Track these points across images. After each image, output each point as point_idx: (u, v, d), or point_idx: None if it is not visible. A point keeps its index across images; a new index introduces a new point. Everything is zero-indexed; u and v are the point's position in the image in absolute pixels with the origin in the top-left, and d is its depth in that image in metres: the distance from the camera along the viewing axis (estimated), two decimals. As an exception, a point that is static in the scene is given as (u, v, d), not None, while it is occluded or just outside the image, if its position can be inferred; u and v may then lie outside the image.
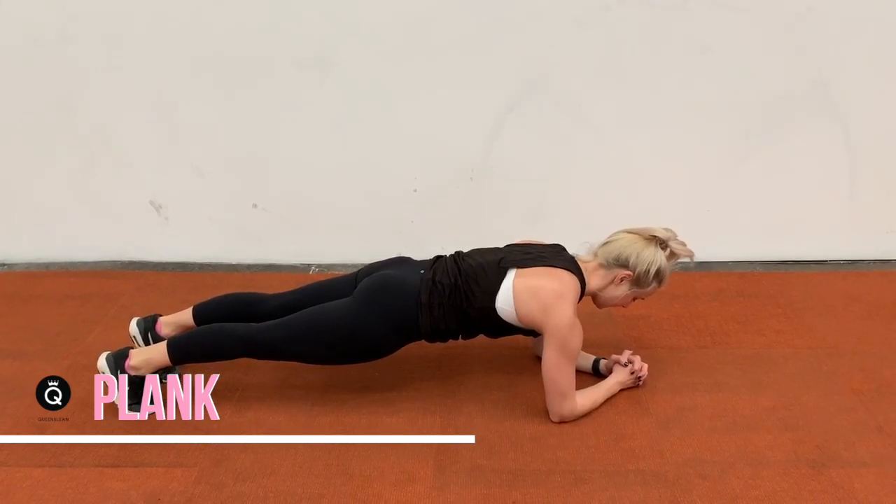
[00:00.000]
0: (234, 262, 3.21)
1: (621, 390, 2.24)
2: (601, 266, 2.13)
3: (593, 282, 2.13)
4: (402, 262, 2.22)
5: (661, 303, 2.77)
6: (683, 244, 2.14)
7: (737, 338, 2.55)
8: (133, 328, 2.33)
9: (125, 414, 2.14)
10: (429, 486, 1.89)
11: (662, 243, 2.10)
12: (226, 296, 2.36)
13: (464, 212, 3.09)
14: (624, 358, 2.26)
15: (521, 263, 2.08)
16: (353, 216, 3.12)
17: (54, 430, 2.11)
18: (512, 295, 2.03)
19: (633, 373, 2.23)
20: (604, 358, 2.32)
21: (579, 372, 2.31)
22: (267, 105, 2.96)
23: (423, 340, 2.14)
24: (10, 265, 3.22)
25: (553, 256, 2.12)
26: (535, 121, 2.94)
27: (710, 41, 2.81)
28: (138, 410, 2.15)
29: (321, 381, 2.31)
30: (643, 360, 2.26)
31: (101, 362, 2.13)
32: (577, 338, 2.01)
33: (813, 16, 2.77)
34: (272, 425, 2.13)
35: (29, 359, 2.47)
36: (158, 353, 2.12)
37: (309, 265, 3.19)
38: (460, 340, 2.19)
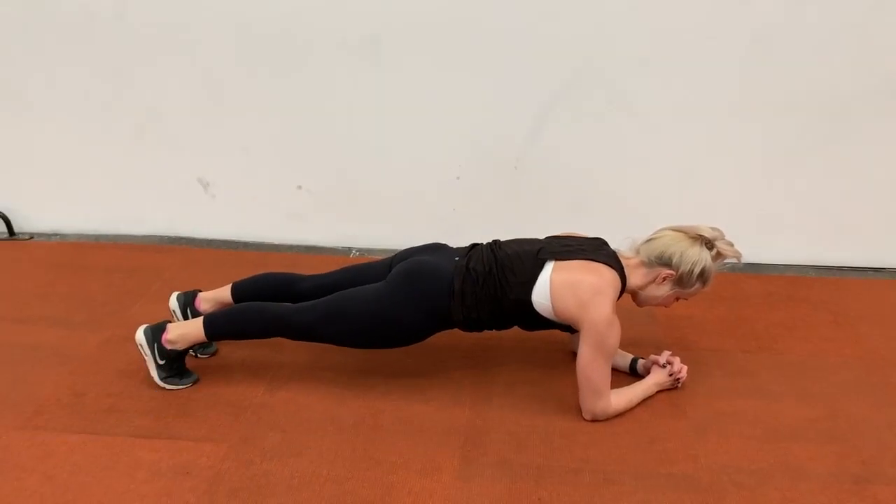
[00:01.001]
0: (277, 242, 3.23)
1: (658, 392, 2.18)
2: (643, 264, 2.07)
3: (634, 279, 2.07)
4: (437, 249, 2.19)
5: (706, 303, 2.69)
6: (731, 244, 2.06)
7: (783, 343, 2.46)
8: (173, 302, 2.36)
9: (161, 386, 2.18)
10: (454, 477, 1.87)
11: (708, 243, 2.03)
12: (264, 275, 2.37)
13: (506, 202, 3.05)
14: (662, 359, 2.20)
15: (561, 256, 2.04)
16: (396, 201, 3.11)
17: (92, 399, 2.16)
18: (549, 288, 1.98)
19: (671, 374, 2.17)
20: (642, 358, 2.26)
21: (616, 371, 2.27)
22: (314, 87, 2.96)
23: (456, 329, 2.11)
24: (62, 235, 3.31)
25: (594, 250, 2.07)
26: (581, 111, 2.87)
27: (771, 31, 2.70)
28: (175, 384, 2.19)
29: (353, 364, 2.31)
30: (683, 361, 2.20)
31: (139, 335, 2.16)
32: (614, 336, 1.96)
33: (884, 7, 2.64)
34: (302, 406, 2.14)
35: (75, 328, 2.52)
36: (195, 328, 2.14)
37: (350, 248, 3.19)
38: (495, 332, 2.16)
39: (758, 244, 2.99)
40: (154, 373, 2.18)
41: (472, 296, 2.03)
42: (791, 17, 2.67)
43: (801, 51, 2.71)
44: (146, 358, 2.17)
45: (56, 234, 3.32)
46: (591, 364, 1.98)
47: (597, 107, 2.86)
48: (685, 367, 2.19)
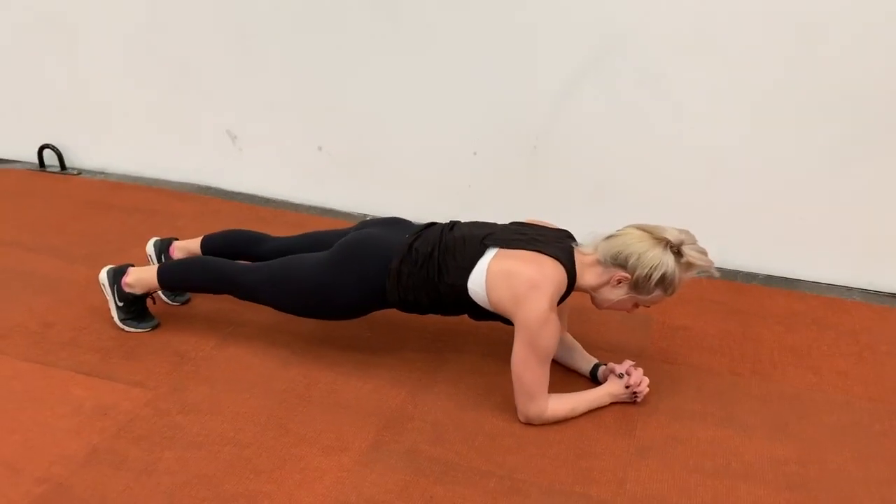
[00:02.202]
0: (296, 202, 3.23)
1: (614, 403, 1.99)
2: (599, 262, 1.87)
3: (587, 278, 1.88)
4: (395, 224, 2.09)
5: (716, 315, 2.44)
6: (702, 252, 1.82)
7: (784, 371, 2.18)
8: (150, 248, 2.40)
9: (119, 327, 2.23)
10: (355, 459, 1.78)
11: (674, 247, 1.80)
12: (234, 231, 2.36)
13: (524, 182, 2.88)
14: (620, 368, 1.99)
15: (508, 244, 1.88)
16: (411, 171, 3.01)
17: (57, 330, 2.23)
18: (485, 277, 1.84)
19: (627, 386, 1.97)
20: (605, 364, 2.07)
21: (577, 375, 2.10)
22: (341, 50, 2.90)
23: (396, 309, 2.01)
24: (106, 174, 3.46)
25: (549, 242, 1.89)
26: (608, 90, 2.64)
27: (827, 20, 2.36)
28: (133, 326, 2.23)
29: (313, 332, 2.25)
30: (662, 376, 2.00)
31: (102, 275, 2.21)
32: (548, 336, 1.79)
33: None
34: (244, 364, 2.12)
35: (73, 261, 2.63)
36: (150, 274, 2.16)
37: (365, 215, 3.13)
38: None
39: (795, 256, 2.67)
40: (114, 313, 2.23)
41: (408, 277, 1.91)
42: (850, 7, 2.32)
43: (859, 44, 2.36)
44: (108, 298, 2.22)
45: (101, 173, 3.48)
46: (523, 364, 1.82)
47: (626, 87, 2.62)
48: (646, 381, 1.98)
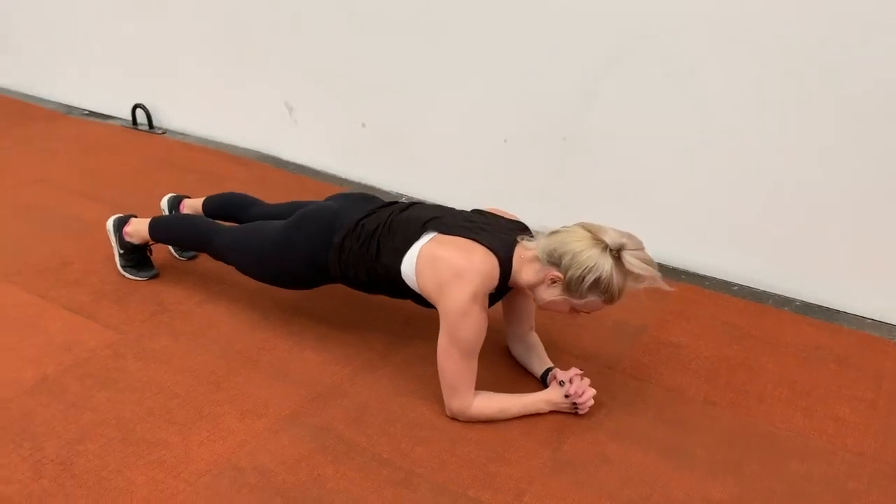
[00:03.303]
0: (341, 176, 3.28)
1: (557, 413, 1.86)
2: (537, 259, 1.74)
3: (525, 275, 1.76)
4: (361, 200, 2.06)
5: (721, 337, 2.21)
6: (643, 261, 1.64)
7: (770, 408, 1.93)
8: (164, 202, 2.54)
9: (121, 273, 2.39)
10: (267, 427, 1.79)
11: (612, 250, 1.64)
12: (231, 194, 2.45)
13: (551, 173, 2.75)
14: (563, 375, 1.86)
15: (448, 229, 1.80)
16: (444, 154, 2.97)
17: (70, 270, 2.43)
18: (416, 261, 1.77)
19: (567, 395, 1.83)
20: (557, 369, 1.93)
21: (531, 377, 1.99)
22: (389, 31, 2.91)
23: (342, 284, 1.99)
24: (185, 135, 3.71)
25: (492, 232, 1.79)
26: (637, 84, 2.46)
27: (888, 19, 2.04)
28: (132, 274, 2.38)
29: (293, 301, 2.29)
30: (630, 391, 1.85)
31: (109, 223, 2.37)
32: (469, 328, 1.70)
33: None
34: (215, 322, 2.19)
35: (115, 211, 2.80)
36: (144, 226, 2.29)
37: (401, 195, 3.13)
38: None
39: (837, 284, 2.35)
40: (117, 260, 2.39)
41: (349, 252, 1.89)
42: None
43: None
44: (112, 245, 2.38)
45: (182, 134, 3.73)
46: (445, 354, 1.75)
47: (654, 81, 2.43)
48: (590, 392, 1.83)
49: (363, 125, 3.14)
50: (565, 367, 1.94)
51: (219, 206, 2.39)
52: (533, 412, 1.85)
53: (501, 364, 2.06)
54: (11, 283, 2.34)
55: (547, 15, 2.53)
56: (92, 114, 4.01)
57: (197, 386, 1.93)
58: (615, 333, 2.21)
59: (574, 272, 1.65)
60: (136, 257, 2.37)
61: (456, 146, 2.92)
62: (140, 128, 3.79)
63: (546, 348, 2.05)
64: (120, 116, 3.92)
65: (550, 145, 2.71)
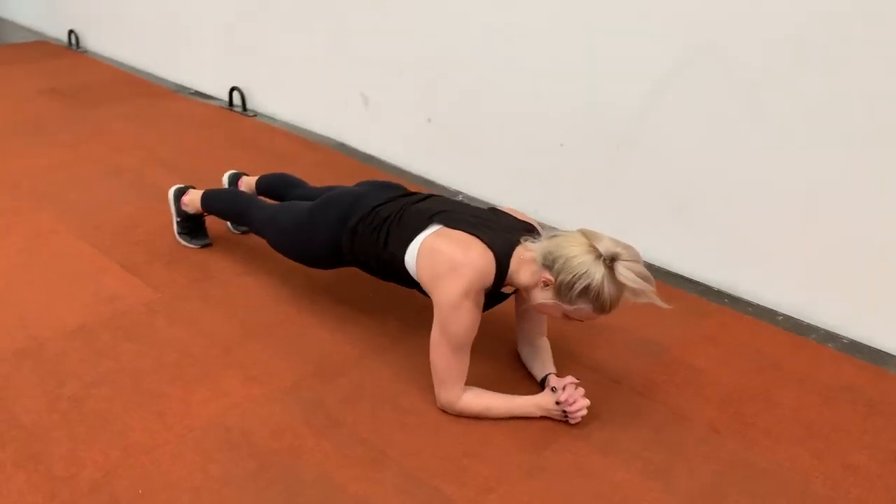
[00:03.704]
0: (405, 169, 3.36)
1: (548, 419, 1.84)
2: (534, 260, 1.72)
3: (521, 275, 1.75)
4: (384, 187, 2.13)
5: (748, 367, 2.12)
6: (637, 274, 1.59)
7: (777, 445, 1.82)
8: (225, 178, 2.70)
9: (177, 240, 2.56)
10: (264, 394, 1.88)
11: (606, 259, 1.61)
12: (281, 174, 2.57)
13: (603, 180, 2.69)
14: (557, 382, 1.83)
15: (453, 223, 1.81)
16: (503, 154, 2.97)
17: (137, 231, 2.63)
18: (416, 251, 1.80)
19: (558, 402, 1.81)
20: (557, 375, 1.91)
21: (532, 379, 1.97)
22: (458, 28, 2.96)
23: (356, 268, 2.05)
24: (274, 119, 3.91)
25: (496, 230, 1.79)
26: (697, 96, 2.37)
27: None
28: (186, 241, 2.55)
29: (325, 280, 2.38)
30: (632, 410, 1.82)
31: (171, 191, 2.55)
32: (460, 322, 1.71)
33: None
34: (248, 292, 2.32)
35: (188, 182, 3.04)
36: (198, 197, 2.45)
37: (458, 192, 3.16)
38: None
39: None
40: (175, 227, 2.56)
41: (361, 237, 1.94)
42: None
43: None
44: (171, 212, 2.56)
45: (271, 117, 3.93)
46: (435, 346, 1.77)
47: (715, 94, 2.33)
48: (581, 402, 1.80)
49: (429, 120, 3.20)
50: (572, 375, 1.91)
51: (268, 185, 2.52)
52: (522, 415, 1.83)
53: (508, 365, 2.06)
54: (84, 240, 2.57)
55: (611, 26, 2.49)
56: (197, 93, 4.30)
57: (211, 348, 2.05)
58: (635, 349, 2.15)
59: (565, 277, 1.63)
60: (190, 225, 2.54)
61: (514, 147, 2.92)
62: (235, 109, 4.03)
63: (558, 355, 2.03)
64: (220, 97, 4.18)
65: (603, 153, 2.66)
